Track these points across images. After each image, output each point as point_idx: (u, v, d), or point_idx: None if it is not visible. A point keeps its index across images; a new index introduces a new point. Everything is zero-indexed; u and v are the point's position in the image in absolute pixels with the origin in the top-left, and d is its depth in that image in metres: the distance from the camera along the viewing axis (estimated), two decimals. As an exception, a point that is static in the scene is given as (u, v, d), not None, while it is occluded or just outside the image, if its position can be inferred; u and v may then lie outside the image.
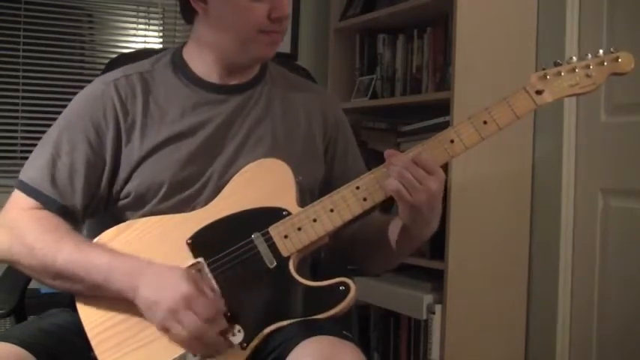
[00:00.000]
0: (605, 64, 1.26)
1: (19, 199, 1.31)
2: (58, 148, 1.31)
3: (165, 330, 1.17)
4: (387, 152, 1.23)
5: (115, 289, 1.21)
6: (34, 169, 1.31)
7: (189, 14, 1.37)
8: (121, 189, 1.33)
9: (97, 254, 1.23)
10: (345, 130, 1.49)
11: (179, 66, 1.40)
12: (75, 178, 1.30)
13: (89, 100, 1.35)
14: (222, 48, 1.35)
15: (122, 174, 1.33)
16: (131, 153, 1.32)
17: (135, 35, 3.06)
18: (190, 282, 1.17)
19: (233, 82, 1.39)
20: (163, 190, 1.31)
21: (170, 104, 1.36)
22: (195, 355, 1.18)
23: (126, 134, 1.33)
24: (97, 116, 1.33)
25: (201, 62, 1.38)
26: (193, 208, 1.30)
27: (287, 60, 2.20)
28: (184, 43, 1.43)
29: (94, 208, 1.35)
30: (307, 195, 1.35)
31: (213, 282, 1.22)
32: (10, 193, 1.35)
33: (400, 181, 1.19)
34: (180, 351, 1.19)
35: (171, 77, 1.38)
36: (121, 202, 1.34)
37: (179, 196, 1.31)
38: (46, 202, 1.29)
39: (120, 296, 1.21)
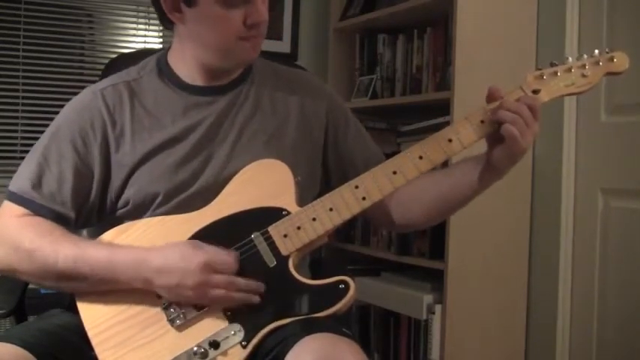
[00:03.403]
0: (601, 63, 1.27)
1: (9, 208, 1.31)
2: (46, 157, 1.32)
3: (203, 301, 1.21)
4: (490, 90, 1.26)
5: (122, 280, 1.22)
6: (23, 178, 1.31)
7: (167, 21, 1.35)
8: (117, 197, 1.33)
9: (97, 249, 1.24)
10: (341, 110, 1.48)
11: (164, 71, 1.39)
12: (63, 186, 1.30)
13: (76, 110, 1.35)
14: (203, 56, 1.35)
15: (116, 182, 1.33)
16: (123, 160, 1.32)
17: (135, 35, 3.07)
18: (198, 249, 1.20)
19: (219, 82, 1.39)
20: (160, 196, 1.31)
21: (159, 110, 1.36)
22: (198, 350, 1.19)
23: (114, 142, 1.33)
24: (84, 126, 1.33)
25: (186, 66, 1.38)
26: (192, 210, 1.30)
27: (287, 60, 2.20)
28: (169, 47, 1.43)
29: (86, 218, 1.35)
30: (306, 192, 1.35)
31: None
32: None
33: (516, 127, 1.21)
34: (180, 350, 1.19)
35: (158, 83, 1.39)
36: (120, 211, 1.34)
37: (177, 199, 1.31)
38: (37, 209, 1.29)
39: (129, 286, 1.22)
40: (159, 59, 1.41)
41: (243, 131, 1.36)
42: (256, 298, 1.21)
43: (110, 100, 1.35)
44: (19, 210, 1.29)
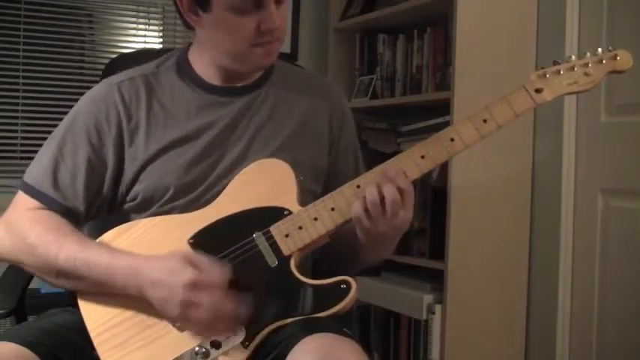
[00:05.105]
0: (604, 62, 1.26)
1: (22, 199, 1.32)
2: (61, 149, 1.32)
3: (185, 320, 1.18)
4: (388, 172, 1.22)
5: (118, 286, 1.22)
6: (37, 170, 1.32)
7: (188, 23, 1.36)
8: (127, 191, 1.34)
9: (99, 252, 1.24)
10: (349, 130, 1.49)
11: (184, 68, 1.40)
12: (77, 179, 1.31)
13: (93, 102, 1.36)
14: (219, 59, 1.36)
15: (127, 176, 1.33)
16: (135, 155, 1.33)
17: (135, 35, 3.07)
18: (189, 266, 1.17)
19: (237, 84, 1.39)
20: (170, 193, 1.31)
21: (175, 107, 1.36)
22: (199, 350, 1.18)
23: (129, 136, 1.33)
24: (99, 118, 1.33)
25: (204, 66, 1.38)
26: (197, 210, 1.30)
27: (287, 60, 2.20)
28: (190, 45, 1.43)
29: (97, 210, 1.35)
30: (309, 195, 1.35)
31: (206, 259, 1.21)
32: (9, 193, 1.36)
33: (364, 210, 1.21)
34: (182, 349, 1.19)
35: (176, 80, 1.39)
36: (128, 205, 1.35)
37: (185, 198, 1.31)
38: (48, 203, 1.30)
39: (124, 292, 1.21)
40: (179, 56, 1.42)
41: (256, 136, 1.36)
42: (240, 326, 1.18)
43: (127, 93, 1.35)
44: (32, 202, 1.30)
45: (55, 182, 1.30)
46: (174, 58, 1.42)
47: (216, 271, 1.18)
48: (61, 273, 1.24)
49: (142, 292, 1.20)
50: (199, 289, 1.15)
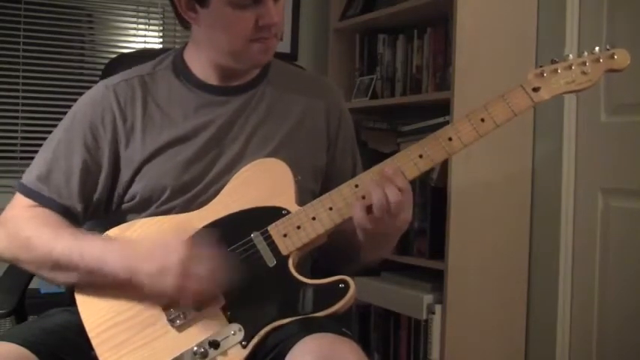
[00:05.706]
0: (601, 60, 1.26)
1: (19, 200, 1.33)
2: (56, 151, 1.34)
3: (180, 291, 1.18)
4: (386, 172, 1.22)
5: (108, 271, 1.20)
6: (34, 172, 1.34)
7: (184, 21, 1.37)
8: (125, 192, 1.34)
9: (92, 240, 1.25)
10: (346, 128, 1.49)
11: (180, 68, 1.40)
12: (71, 181, 1.32)
13: (89, 105, 1.36)
14: (216, 57, 1.36)
15: (124, 177, 1.34)
16: (132, 156, 1.33)
17: (135, 35, 3.07)
18: (186, 242, 1.18)
19: (234, 83, 1.39)
20: (167, 192, 1.32)
21: (172, 107, 1.36)
22: (198, 350, 1.19)
23: (125, 138, 1.33)
24: (94, 121, 1.34)
25: (201, 65, 1.39)
26: (196, 209, 1.30)
27: (286, 60, 2.20)
28: (186, 44, 1.43)
29: (93, 212, 1.36)
30: (308, 195, 1.35)
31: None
32: (9, 193, 1.37)
33: (367, 214, 1.21)
34: (180, 350, 1.20)
35: (173, 80, 1.39)
36: (126, 205, 1.35)
37: (182, 198, 1.32)
38: (45, 201, 1.31)
39: (115, 280, 1.20)
40: (175, 56, 1.42)
41: (254, 135, 1.36)
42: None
43: (122, 95, 1.35)
44: (28, 202, 1.32)
45: (49, 183, 1.32)
46: (170, 58, 1.42)
47: (210, 249, 1.19)
48: (56, 265, 1.24)
49: (134, 270, 1.19)
50: (196, 262, 1.17)
